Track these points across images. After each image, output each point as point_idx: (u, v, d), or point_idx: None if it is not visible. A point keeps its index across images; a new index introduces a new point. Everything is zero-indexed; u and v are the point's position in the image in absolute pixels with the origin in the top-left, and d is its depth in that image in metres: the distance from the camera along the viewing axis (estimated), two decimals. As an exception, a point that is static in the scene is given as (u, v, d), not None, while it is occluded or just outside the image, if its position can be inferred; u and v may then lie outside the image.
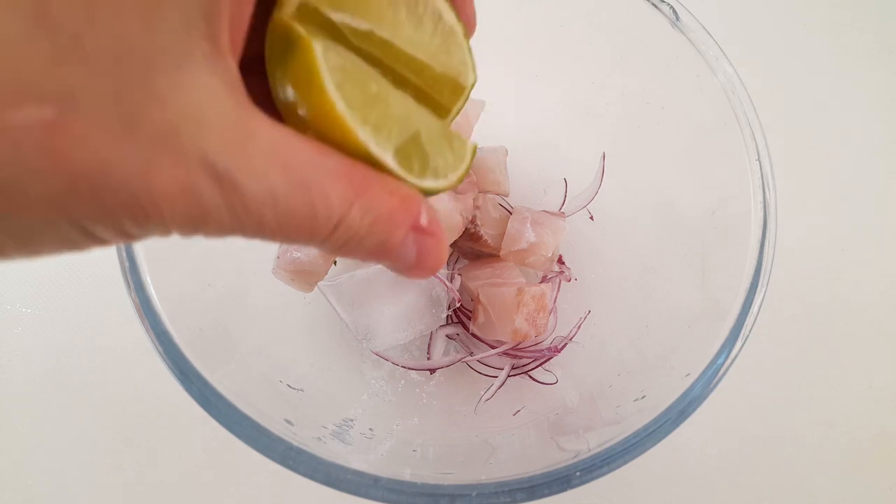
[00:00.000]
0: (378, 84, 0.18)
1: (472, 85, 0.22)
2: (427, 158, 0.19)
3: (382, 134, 0.17)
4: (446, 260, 0.19)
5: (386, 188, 0.17)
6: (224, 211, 0.14)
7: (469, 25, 0.22)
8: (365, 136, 0.17)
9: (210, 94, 0.13)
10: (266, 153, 0.14)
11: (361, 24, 0.18)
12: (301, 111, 0.17)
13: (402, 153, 0.18)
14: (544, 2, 0.42)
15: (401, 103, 0.19)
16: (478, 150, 0.44)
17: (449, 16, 0.21)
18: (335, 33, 0.18)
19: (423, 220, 0.17)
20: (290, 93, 0.17)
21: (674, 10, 0.36)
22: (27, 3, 0.10)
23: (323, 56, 0.16)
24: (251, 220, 0.14)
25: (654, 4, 0.37)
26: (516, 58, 0.45)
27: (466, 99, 0.23)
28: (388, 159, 0.17)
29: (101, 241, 0.14)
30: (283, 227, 0.15)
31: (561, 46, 0.44)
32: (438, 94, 0.21)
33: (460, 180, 0.20)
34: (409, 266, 0.18)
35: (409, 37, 0.20)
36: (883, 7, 0.61)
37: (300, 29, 0.16)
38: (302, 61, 0.16)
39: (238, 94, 0.14)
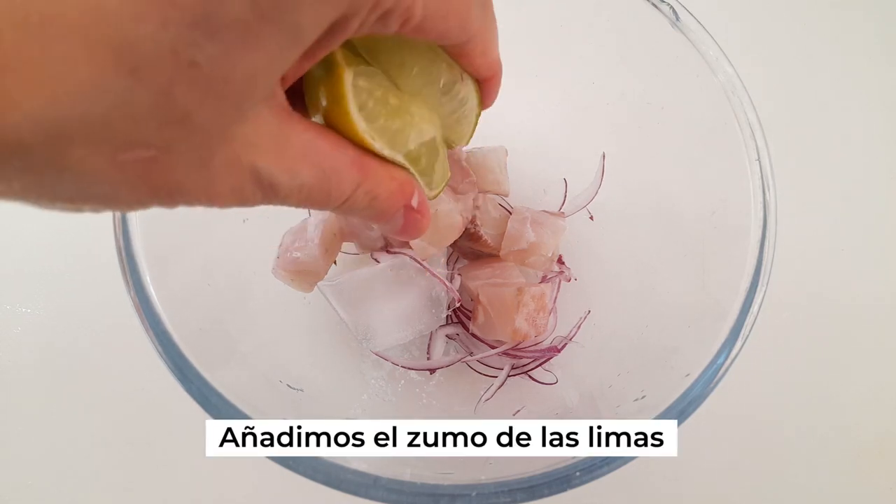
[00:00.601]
0: (400, 98, 0.21)
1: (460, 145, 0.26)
2: (433, 163, 0.23)
3: (399, 140, 0.21)
4: (427, 228, 0.24)
5: (388, 175, 0.21)
6: (260, 198, 0.18)
7: (485, 106, 0.26)
8: (380, 147, 0.20)
9: (262, 121, 0.17)
10: (298, 156, 0.18)
11: (384, 82, 0.20)
12: (327, 117, 0.20)
13: (413, 154, 0.22)
14: (544, 2, 0.42)
15: (421, 113, 0.22)
16: (478, 150, 0.44)
17: (472, 102, 0.24)
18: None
19: (414, 202, 0.23)
20: (321, 101, 0.20)
21: (674, 10, 0.36)
22: (159, 84, 0.14)
23: (352, 84, 0.19)
24: (279, 201, 0.19)
25: (654, 4, 0.37)
26: (516, 58, 0.44)
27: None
28: (400, 158, 0.21)
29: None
30: (303, 203, 0.19)
31: (561, 46, 0.44)
32: None
33: (437, 195, 0.25)
34: (397, 231, 0.23)
35: (425, 110, 0.22)
36: (883, 7, 0.61)
37: (338, 55, 0.19)
38: (334, 83, 0.19)
39: (281, 113, 0.18)
